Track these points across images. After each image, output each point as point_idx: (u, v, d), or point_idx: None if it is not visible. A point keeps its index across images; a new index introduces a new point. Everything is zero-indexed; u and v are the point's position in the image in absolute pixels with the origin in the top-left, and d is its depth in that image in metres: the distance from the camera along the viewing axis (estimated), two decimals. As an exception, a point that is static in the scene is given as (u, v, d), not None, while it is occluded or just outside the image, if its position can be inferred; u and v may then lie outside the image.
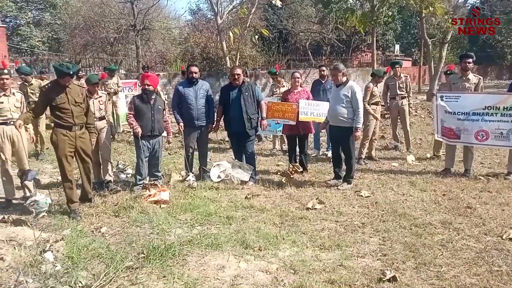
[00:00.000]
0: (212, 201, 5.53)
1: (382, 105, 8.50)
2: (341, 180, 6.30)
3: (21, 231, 4.22)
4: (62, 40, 30.11)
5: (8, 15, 31.96)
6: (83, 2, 25.22)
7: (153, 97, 5.99)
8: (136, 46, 21.56)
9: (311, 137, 8.20)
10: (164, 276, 3.57)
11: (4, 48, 24.09)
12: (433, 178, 6.57)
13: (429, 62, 19.63)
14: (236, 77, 6.23)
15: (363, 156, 7.80)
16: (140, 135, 5.85)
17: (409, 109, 8.55)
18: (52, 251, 3.93)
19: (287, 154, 7.31)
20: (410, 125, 8.87)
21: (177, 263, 3.84)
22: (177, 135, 8.83)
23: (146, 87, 5.95)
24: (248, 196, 5.67)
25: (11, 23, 32.89)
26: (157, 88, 7.24)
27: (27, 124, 5.59)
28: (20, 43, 31.58)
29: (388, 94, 8.72)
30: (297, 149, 7.04)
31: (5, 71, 5.39)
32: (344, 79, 6.05)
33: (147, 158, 6.06)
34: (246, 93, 6.22)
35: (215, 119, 6.58)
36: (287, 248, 4.17)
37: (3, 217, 4.86)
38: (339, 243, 4.23)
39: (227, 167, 6.37)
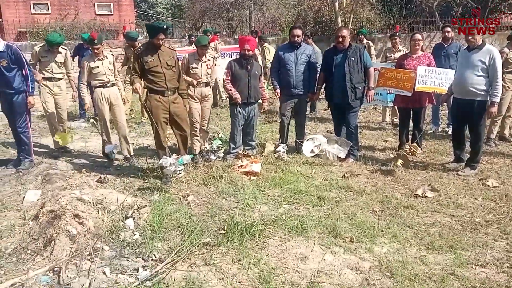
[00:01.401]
0: (305, 177, 5.03)
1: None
2: (463, 164, 5.28)
3: (110, 194, 4.22)
4: (184, 6, 31.35)
5: (137, -17, 34.24)
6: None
7: (250, 62, 5.59)
8: (249, 11, 21.37)
9: (429, 110, 7.11)
10: (240, 260, 3.22)
11: (131, 14, 26.01)
12: None
13: None
14: (341, 39, 5.46)
15: (493, 136, 6.52)
16: (238, 102, 5.53)
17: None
18: (134, 218, 3.84)
19: (398, 128, 6.37)
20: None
21: (257, 245, 3.47)
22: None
23: (246, 52, 5.55)
24: (346, 175, 5.04)
25: (140, -9, 35.20)
26: (255, 52, 6.78)
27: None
28: (146, 9, 33.82)
29: None
30: (411, 124, 6.09)
31: (95, 41, 5.45)
32: (480, 41, 4.99)
33: (242, 127, 5.75)
34: (352, 58, 5.43)
35: (316, 87, 5.92)
36: (386, 243, 3.52)
37: (100, 177, 4.98)
38: (452, 244, 3.44)
39: (322, 141, 5.74)
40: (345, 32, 5.52)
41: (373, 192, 4.60)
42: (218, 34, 11.85)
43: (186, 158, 4.86)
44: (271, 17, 24.55)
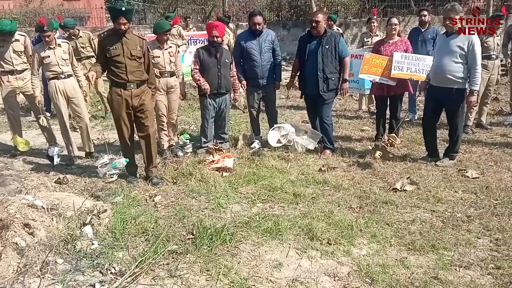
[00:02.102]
0: (280, 171, 4.78)
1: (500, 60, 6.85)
2: (441, 158, 5.10)
3: (67, 197, 3.88)
4: (156, -9, 30.38)
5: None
6: None
7: (219, 50, 5.24)
8: (223, -5, 20.77)
9: (405, 97, 6.93)
10: (208, 270, 2.95)
11: (100, 0, 24.96)
12: None
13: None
14: (315, 24, 5.08)
15: (470, 123, 6.41)
16: (207, 93, 5.19)
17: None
18: (93, 224, 3.52)
19: (375, 117, 6.17)
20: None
21: (228, 251, 3.21)
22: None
23: (215, 39, 5.20)
24: (323, 169, 4.82)
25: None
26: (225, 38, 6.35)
27: (99, 78, 5.26)
28: (117, -6, 32.67)
29: (510, 45, 7.01)
30: (388, 113, 5.89)
31: (45, 27, 4.92)
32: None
33: (213, 119, 5.43)
34: (327, 46, 5.07)
35: (291, 75, 5.65)
36: (365, 245, 3.31)
37: (59, 178, 4.60)
38: (434, 244, 3.26)
39: (290, 131, 5.42)
40: (320, 17, 5.14)
41: (351, 186, 4.40)
42: (189, 19, 11.35)
43: (120, 162, 4.48)
44: (246, 1, 24.04)
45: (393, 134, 5.32)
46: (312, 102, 5.45)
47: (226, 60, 5.28)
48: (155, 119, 5.06)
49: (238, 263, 3.05)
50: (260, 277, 2.90)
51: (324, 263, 3.06)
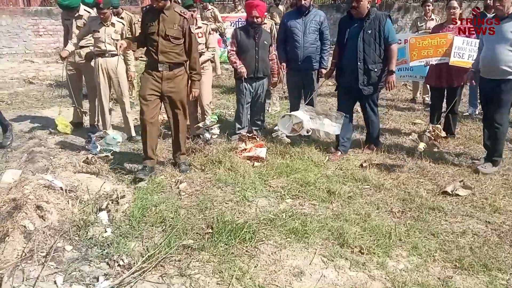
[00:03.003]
0: (316, 165, 4.39)
1: None
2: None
3: (88, 179, 3.74)
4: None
5: None
6: None
7: (258, 31, 4.88)
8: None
9: (466, 88, 6.25)
10: (221, 272, 2.67)
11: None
12: None
13: None
14: (355, 3, 4.34)
15: None
16: (244, 77, 4.87)
17: None
18: (109, 210, 3.33)
19: (430, 109, 5.56)
20: None
21: (246, 251, 2.90)
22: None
23: (254, 19, 4.83)
24: (364, 165, 4.37)
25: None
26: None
27: (128, 51, 5.06)
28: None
29: None
30: (444, 106, 5.29)
31: (101, 5, 4.78)
32: (511, 9, 4.03)
33: (249, 104, 5.11)
34: (369, 31, 4.34)
35: (331, 62, 4.95)
36: (403, 257, 2.88)
37: (87, 158, 4.48)
38: (486, 263, 2.78)
39: (304, 120, 4.62)
40: None
41: (394, 187, 3.93)
42: (237, 0, 11.05)
43: (110, 138, 4.04)
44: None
45: (438, 125, 4.67)
46: (349, 96, 4.75)
47: (265, 42, 4.91)
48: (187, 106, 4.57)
49: (255, 266, 2.74)
50: (277, 286, 2.57)
51: (353, 276, 2.68)
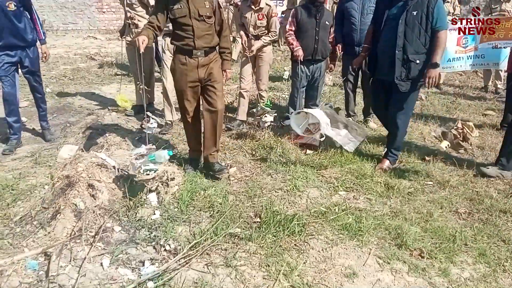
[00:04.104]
0: (373, 156, 4.12)
1: None
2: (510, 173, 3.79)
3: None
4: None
5: None
6: None
7: (320, 10, 4.60)
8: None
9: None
10: (268, 266, 2.55)
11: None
12: None
13: None
14: None
15: None
16: (300, 59, 4.64)
17: None
18: (159, 192, 3.30)
19: (504, 98, 5.04)
20: None
21: (295, 245, 2.76)
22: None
23: (317, -4, 4.57)
24: (427, 158, 4.04)
25: None
26: None
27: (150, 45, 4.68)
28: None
29: None
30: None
31: None
32: None
33: (304, 88, 4.88)
34: (414, 12, 3.51)
35: (363, 47, 4.15)
36: (469, 264, 2.61)
37: (141, 136, 4.50)
38: None
39: (322, 121, 4.00)
40: None
41: (461, 185, 3.60)
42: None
43: (161, 155, 3.25)
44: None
45: (470, 123, 4.11)
46: (384, 91, 3.90)
47: (327, 23, 4.62)
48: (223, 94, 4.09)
49: (304, 263, 2.59)
50: (327, 286, 2.41)
51: (411, 281, 2.46)
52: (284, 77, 6.98)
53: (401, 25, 3.52)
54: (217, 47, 3.70)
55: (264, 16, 4.75)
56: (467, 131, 3.94)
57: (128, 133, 4.76)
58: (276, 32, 4.92)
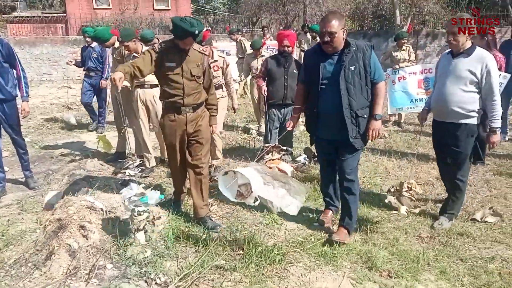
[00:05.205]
0: (344, 190, 4.47)
1: None
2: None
3: (126, 201, 3.95)
4: (240, 1, 31.26)
5: (195, -22, 34.52)
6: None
7: (288, 59, 5.10)
8: (304, 5, 20.76)
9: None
10: (253, 292, 2.78)
11: (188, 9, 26.20)
12: None
13: None
14: (328, 38, 3.20)
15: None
16: (265, 92, 5.10)
17: None
18: (146, 231, 3.51)
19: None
20: None
21: (276, 273, 3.01)
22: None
23: (285, 48, 5.08)
24: (392, 190, 4.41)
25: (197, -15, 35.45)
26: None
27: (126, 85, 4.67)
28: (204, 4, 34.05)
29: None
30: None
31: (119, 39, 4.90)
32: (469, 44, 3.53)
33: (277, 130, 5.28)
34: (352, 67, 3.24)
35: (294, 108, 3.87)
36: (431, 281, 2.93)
37: (124, 180, 4.70)
38: (517, 289, 2.79)
39: (254, 182, 3.31)
40: (333, 24, 3.17)
41: (423, 212, 3.97)
42: (266, 28, 11.43)
43: (154, 197, 3.38)
44: (328, 11, 23.77)
45: (412, 181, 4.17)
46: (329, 152, 3.60)
47: (294, 71, 5.10)
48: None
49: (286, 287, 2.84)
50: (306, 306, 2.66)
51: (381, 299, 2.75)
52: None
53: (342, 83, 3.26)
54: (204, 103, 3.87)
55: (219, 67, 5.09)
56: (414, 189, 4.04)
57: (111, 178, 4.97)
58: (231, 80, 5.27)
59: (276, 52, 5.47)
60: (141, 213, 3.30)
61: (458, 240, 3.46)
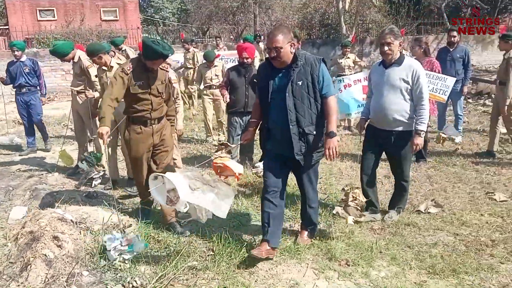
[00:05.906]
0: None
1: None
2: (378, 214, 4.15)
3: (95, 211, 4.06)
4: (190, 11, 31.36)
5: (143, -12, 34.29)
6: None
7: (249, 70, 5.42)
8: (254, 15, 21.27)
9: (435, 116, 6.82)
10: (226, 287, 3.01)
11: (137, 19, 25.96)
12: None
13: None
14: (274, 53, 3.19)
15: (495, 148, 6.08)
16: (228, 100, 5.46)
17: None
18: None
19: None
20: None
21: (246, 269, 3.26)
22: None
23: (245, 60, 5.41)
24: (346, 188, 4.79)
25: (146, -5, 35.23)
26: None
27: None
28: (153, 14, 33.87)
29: None
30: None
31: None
32: (398, 53, 3.78)
33: (239, 136, 5.55)
34: (299, 82, 3.23)
35: (249, 122, 4.04)
36: (384, 267, 3.29)
37: (89, 192, 4.79)
38: (455, 268, 3.20)
39: (180, 188, 3.07)
40: (279, 39, 3.16)
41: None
42: (219, 38, 11.69)
43: (140, 246, 3.38)
44: (277, 20, 24.45)
45: (356, 190, 4.28)
46: (278, 166, 3.46)
47: (255, 80, 5.41)
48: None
49: (256, 281, 3.10)
50: (276, 296, 2.93)
51: (341, 284, 3.07)
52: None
53: (289, 98, 3.22)
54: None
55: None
56: (358, 198, 4.20)
57: (75, 191, 5.01)
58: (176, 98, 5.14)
59: (233, 62, 5.80)
60: (126, 261, 3.31)
61: (405, 229, 3.87)
